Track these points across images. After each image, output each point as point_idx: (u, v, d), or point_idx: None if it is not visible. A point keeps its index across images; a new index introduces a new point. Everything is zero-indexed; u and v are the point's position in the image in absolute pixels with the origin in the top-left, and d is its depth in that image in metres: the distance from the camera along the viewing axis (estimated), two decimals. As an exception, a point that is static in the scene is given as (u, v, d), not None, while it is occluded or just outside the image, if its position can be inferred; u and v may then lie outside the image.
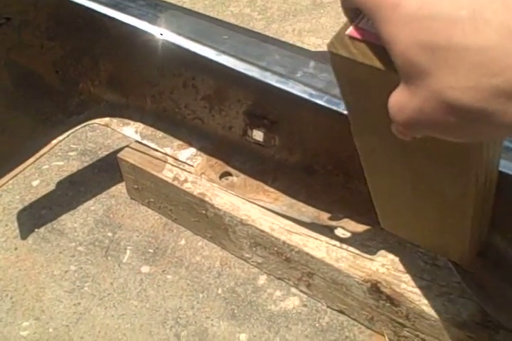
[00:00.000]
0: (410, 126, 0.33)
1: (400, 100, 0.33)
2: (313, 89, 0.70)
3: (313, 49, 1.63)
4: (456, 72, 0.28)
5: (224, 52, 0.76)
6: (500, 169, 0.58)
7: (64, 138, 1.06)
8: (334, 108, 0.68)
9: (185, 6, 1.86)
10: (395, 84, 0.35)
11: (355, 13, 0.38)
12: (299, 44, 1.69)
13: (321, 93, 0.69)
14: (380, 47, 0.36)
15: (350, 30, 0.38)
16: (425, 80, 0.29)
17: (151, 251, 1.12)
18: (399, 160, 0.53)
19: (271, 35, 1.69)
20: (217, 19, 0.83)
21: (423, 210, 0.63)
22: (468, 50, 0.27)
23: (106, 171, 1.29)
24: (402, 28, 0.30)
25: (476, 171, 0.50)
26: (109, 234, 1.16)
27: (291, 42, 1.69)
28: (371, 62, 0.37)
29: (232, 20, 1.80)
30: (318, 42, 1.70)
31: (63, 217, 1.20)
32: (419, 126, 0.33)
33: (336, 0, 1.89)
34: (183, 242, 1.13)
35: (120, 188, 1.24)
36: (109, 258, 1.11)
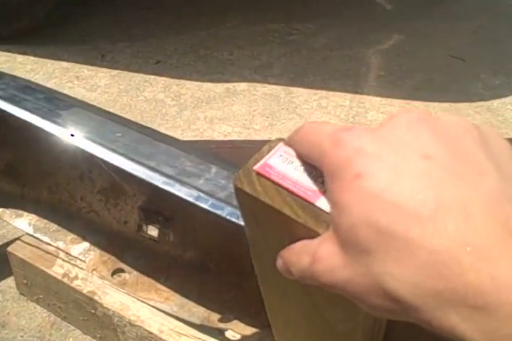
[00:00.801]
0: (332, 287, 0.32)
1: (332, 262, 0.31)
2: (199, 191, 0.70)
3: (222, 137, 1.66)
4: (403, 264, 0.27)
5: (115, 151, 0.75)
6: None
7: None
8: (219, 213, 0.67)
9: (99, 90, 1.90)
10: (294, 228, 0.36)
11: (269, 148, 0.38)
12: (209, 131, 1.72)
13: (207, 196, 0.69)
14: (285, 190, 0.36)
15: (259, 166, 0.37)
16: (366, 258, 0.29)
17: None
18: (295, 289, 0.52)
19: (182, 122, 1.74)
20: (112, 114, 0.84)
21: (313, 336, 0.63)
22: (422, 249, 0.27)
23: (-5, 264, 1.21)
24: (358, 201, 0.29)
25: (365, 314, 0.50)
26: (-9, 335, 1.07)
27: (201, 129, 1.73)
28: (273, 202, 0.37)
29: (144, 106, 1.83)
30: (228, 131, 1.74)
31: None
32: (340, 291, 0.32)
33: (249, 88, 1.97)
34: (70, 343, 1.06)
35: (9, 282, 1.16)
36: (-13, 360, 1.03)
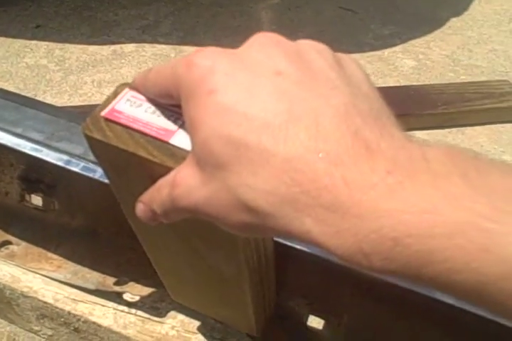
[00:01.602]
0: (188, 210, 0.32)
1: (189, 183, 0.31)
2: (69, 156, 0.68)
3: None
4: (258, 174, 0.28)
5: None
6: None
7: None
8: (91, 175, 0.66)
9: None
10: (153, 170, 0.35)
11: (115, 94, 0.37)
12: (98, 95, 1.67)
13: (78, 160, 0.67)
14: (137, 132, 0.35)
15: (106, 112, 0.36)
16: (222, 173, 0.29)
17: None
18: (173, 239, 0.52)
19: (68, 87, 1.67)
20: None
21: (204, 286, 0.63)
22: (275, 157, 0.27)
23: None
24: (211, 115, 0.29)
25: (246, 253, 0.50)
26: None
27: (89, 94, 1.67)
28: (126, 146, 0.36)
29: (26, 73, 1.75)
30: (119, 93, 1.70)
31: None
32: (198, 212, 0.32)
33: (137, 49, 1.91)
34: (-36, 321, 1.02)
35: None
36: None
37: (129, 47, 1.94)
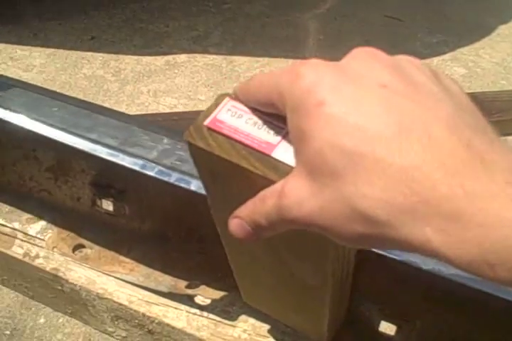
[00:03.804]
0: (301, 222, 0.32)
1: (299, 194, 0.31)
2: (144, 160, 0.69)
3: (168, 109, 1.65)
4: (374, 183, 0.28)
5: (53, 126, 0.74)
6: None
7: None
8: (166, 179, 0.67)
9: (35, 70, 1.86)
10: (253, 181, 0.35)
11: (216, 104, 0.37)
12: (154, 105, 1.70)
13: (153, 164, 0.68)
14: (239, 143, 0.36)
15: (209, 122, 0.37)
16: (336, 182, 0.29)
17: (7, 332, 1.03)
18: (260, 247, 0.53)
19: (126, 97, 1.72)
20: (47, 90, 0.81)
21: (282, 292, 0.63)
22: (391, 167, 0.27)
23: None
24: (322, 126, 0.30)
25: (334, 265, 0.51)
26: (-38, 319, 1.05)
27: (146, 103, 1.71)
28: (229, 156, 0.36)
29: (85, 83, 1.80)
30: (173, 103, 1.73)
31: None
32: (310, 224, 0.32)
33: (189, 59, 1.95)
34: (42, 320, 1.05)
35: (-32, 269, 1.14)
36: (-40, 345, 1.01)
37: (181, 57, 1.97)
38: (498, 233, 0.25)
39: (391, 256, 0.64)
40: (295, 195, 0.32)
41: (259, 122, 0.37)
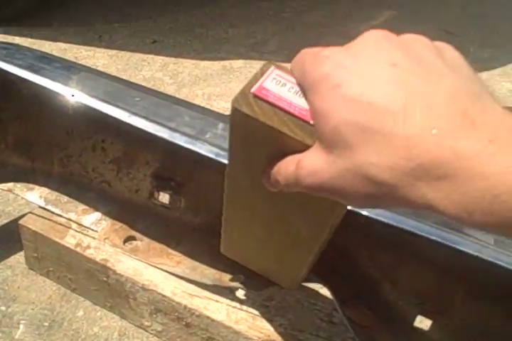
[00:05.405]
0: (313, 188, 0.38)
1: (315, 165, 0.37)
2: (219, 149, 0.74)
3: (221, 112, 1.69)
4: (381, 152, 0.33)
5: (135, 114, 0.79)
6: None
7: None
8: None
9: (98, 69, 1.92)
10: (287, 145, 0.39)
11: (261, 72, 0.41)
12: (208, 107, 1.74)
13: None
14: (282, 110, 0.39)
15: (255, 89, 0.40)
16: (349, 153, 0.34)
17: (46, 324, 1.07)
18: (263, 202, 0.56)
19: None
20: (129, 82, 0.86)
21: (270, 244, 0.67)
22: (396, 138, 0.32)
23: (5, 240, 1.23)
24: (340, 106, 0.34)
25: (333, 220, 0.55)
26: (3, 308, 1.10)
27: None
28: (272, 123, 0.40)
29: (144, 84, 1.85)
30: (227, 106, 1.77)
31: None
32: (322, 190, 0.37)
33: (245, 65, 2.00)
34: (80, 313, 1.08)
35: (18, 258, 1.19)
36: (0, 335, 1.05)
37: (238, 63, 2.02)
38: (476, 184, 0.30)
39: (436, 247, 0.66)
40: (311, 166, 0.37)
41: (301, 91, 0.40)
